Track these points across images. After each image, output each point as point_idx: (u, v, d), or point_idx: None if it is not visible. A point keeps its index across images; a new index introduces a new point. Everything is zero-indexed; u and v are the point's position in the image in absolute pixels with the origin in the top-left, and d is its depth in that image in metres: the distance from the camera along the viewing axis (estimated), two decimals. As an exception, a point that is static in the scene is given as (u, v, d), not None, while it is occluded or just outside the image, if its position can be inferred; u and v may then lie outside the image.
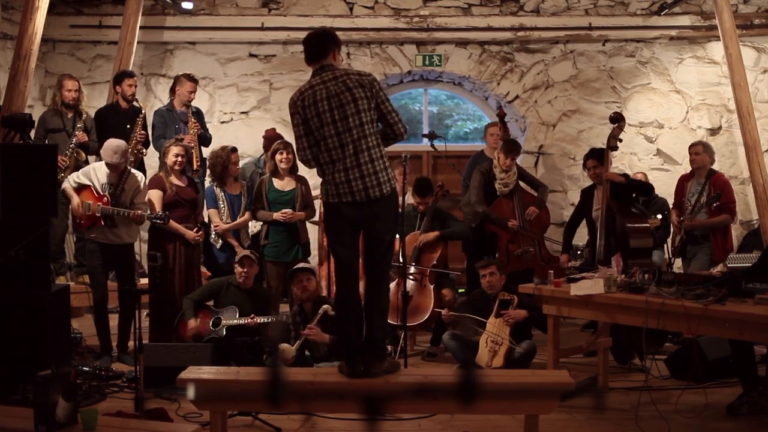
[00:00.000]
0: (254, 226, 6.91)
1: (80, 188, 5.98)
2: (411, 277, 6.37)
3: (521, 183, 6.99)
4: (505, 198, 6.80)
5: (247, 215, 6.59)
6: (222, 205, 6.54)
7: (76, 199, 5.93)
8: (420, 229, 6.58)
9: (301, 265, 5.84)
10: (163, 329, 6.00)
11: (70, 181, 6.04)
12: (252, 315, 5.71)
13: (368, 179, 3.95)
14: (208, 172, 6.93)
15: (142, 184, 6.10)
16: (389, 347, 5.39)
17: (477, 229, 6.89)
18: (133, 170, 6.19)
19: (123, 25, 8.15)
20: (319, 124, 3.98)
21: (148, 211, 5.99)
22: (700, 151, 6.80)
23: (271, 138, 7.41)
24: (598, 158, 6.42)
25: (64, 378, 3.56)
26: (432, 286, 6.47)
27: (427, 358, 6.34)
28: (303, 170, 7.57)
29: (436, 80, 9.54)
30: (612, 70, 9.18)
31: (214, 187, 6.59)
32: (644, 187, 6.78)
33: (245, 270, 5.85)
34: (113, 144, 5.98)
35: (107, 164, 5.96)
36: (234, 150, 6.64)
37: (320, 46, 4.10)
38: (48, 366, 3.71)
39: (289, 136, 8.18)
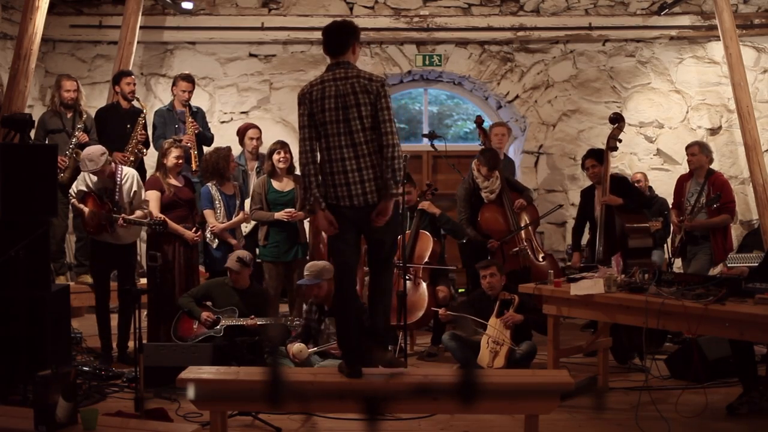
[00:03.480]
0: (246, 227, 6.89)
1: (84, 196, 5.99)
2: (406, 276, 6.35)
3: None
4: (493, 203, 6.76)
5: (241, 215, 6.59)
6: (218, 205, 6.55)
7: (87, 210, 5.93)
8: (410, 228, 6.56)
9: (304, 281, 5.69)
10: (163, 329, 6.01)
11: (72, 193, 6.05)
12: (252, 317, 5.72)
13: (367, 185, 3.95)
14: (210, 172, 6.91)
15: (136, 183, 6.09)
16: (389, 347, 5.38)
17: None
18: (125, 168, 6.17)
19: (123, 25, 8.15)
20: (323, 121, 3.98)
21: (147, 210, 6.00)
22: (696, 152, 6.80)
23: (244, 129, 7.43)
24: (596, 158, 6.43)
25: (64, 378, 3.56)
26: (426, 284, 6.46)
27: (427, 358, 6.34)
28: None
29: (436, 80, 9.54)
30: (612, 70, 9.18)
31: (210, 188, 6.58)
32: (644, 201, 6.75)
33: (234, 276, 5.87)
34: (87, 153, 5.93)
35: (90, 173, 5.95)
36: (230, 150, 6.68)
37: (339, 40, 4.07)
38: (48, 366, 3.71)
39: (288, 137, 8.23)
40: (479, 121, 7.36)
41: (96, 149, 5.99)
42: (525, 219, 6.85)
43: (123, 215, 5.87)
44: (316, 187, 4.01)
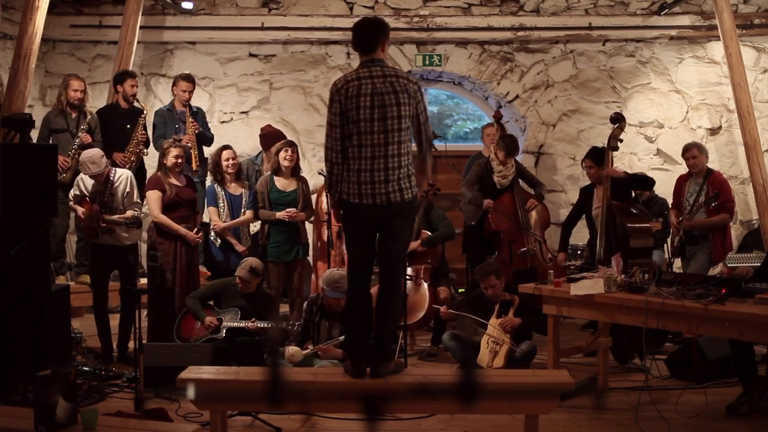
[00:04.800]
0: (254, 226, 6.90)
1: (80, 200, 6.01)
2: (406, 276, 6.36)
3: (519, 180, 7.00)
4: (505, 191, 6.81)
5: (248, 214, 6.59)
6: (222, 204, 6.55)
7: (79, 209, 5.99)
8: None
9: (331, 293, 5.50)
10: (163, 329, 6.01)
11: (71, 197, 6.10)
12: (253, 319, 5.72)
13: (392, 184, 3.94)
14: (209, 172, 6.95)
15: (129, 185, 6.09)
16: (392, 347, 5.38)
17: (477, 229, 6.88)
18: (118, 170, 6.18)
19: (123, 25, 8.15)
20: (357, 118, 3.95)
21: (138, 211, 5.99)
22: (696, 154, 6.78)
23: (269, 134, 7.40)
24: (594, 158, 6.42)
25: (64, 378, 3.56)
26: (427, 285, 6.46)
27: (427, 358, 6.34)
28: (303, 170, 7.60)
29: (436, 80, 9.53)
30: (612, 70, 9.18)
31: (215, 186, 6.60)
32: (645, 182, 6.77)
33: (243, 284, 5.86)
34: (87, 156, 5.94)
35: (91, 176, 5.97)
36: (224, 148, 6.63)
37: (371, 38, 4.06)
38: (48, 366, 3.71)
39: (289, 137, 8.20)
40: (498, 116, 7.40)
41: (96, 152, 6.00)
42: (535, 218, 6.86)
43: (104, 216, 5.87)
44: (340, 186, 4.04)
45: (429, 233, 6.61)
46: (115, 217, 5.92)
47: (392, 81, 3.95)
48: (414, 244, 6.51)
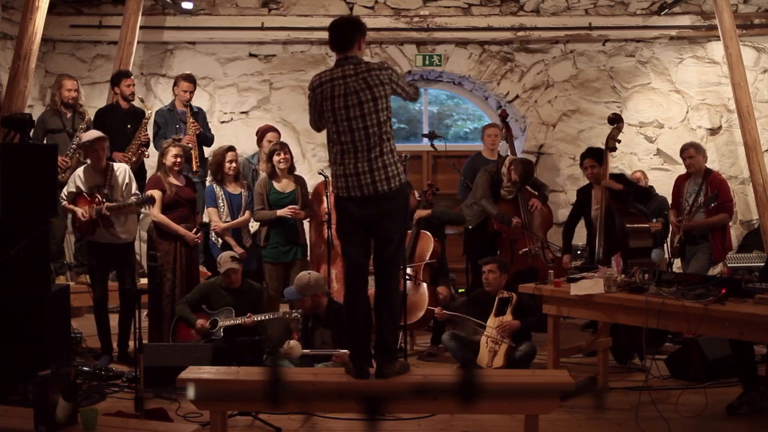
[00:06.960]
0: (254, 225, 6.89)
1: (75, 198, 5.99)
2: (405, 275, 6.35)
3: None
4: (508, 200, 6.82)
5: (247, 215, 6.59)
6: (221, 204, 6.54)
7: (79, 210, 5.93)
8: (410, 229, 6.56)
9: (289, 292, 5.72)
10: (163, 329, 6.00)
11: (63, 197, 6.02)
12: (249, 314, 5.72)
13: (377, 173, 3.95)
14: (209, 171, 6.95)
15: (128, 176, 6.10)
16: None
17: (478, 229, 6.88)
18: (114, 164, 6.18)
19: (123, 25, 8.15)
20: (333, 119, 3.99)
21: (134, 198, 5.98)
22: (693, 154, 6.75)
23: (259, 129, 7.43)
24: (594, 158, 6.41)
25: (64, 378, 3.56)
26: (426, 284, 6.46)
27: (426, 358, 6.34)
28: (301, 170, 7.60)
29: (436, 80, 9.54)
30: (612, 70, 9.18)
31: (214, 187, 6.60)
32: (643, 193, 6.76)
33: (230, 277, 5.88)
34: (91, 134, 6.07)
35: (90, 156, 6.00)
36: (230, 149, 6.63)
37: (346, 36, 4.12)
38: (48, 366, 3.71)
39: (289, 137, 8.23)
40: (504, 114, 7.40)
41: (94, 132, 6.14)
42: (538, 219, 6.87)
43: (106, 203, 5.86)
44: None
45: (430, 234, 6.61)
46: (122, 202, 5.91)
47: (365, 77, 4.00)
48: (423, 212, 6.53)
